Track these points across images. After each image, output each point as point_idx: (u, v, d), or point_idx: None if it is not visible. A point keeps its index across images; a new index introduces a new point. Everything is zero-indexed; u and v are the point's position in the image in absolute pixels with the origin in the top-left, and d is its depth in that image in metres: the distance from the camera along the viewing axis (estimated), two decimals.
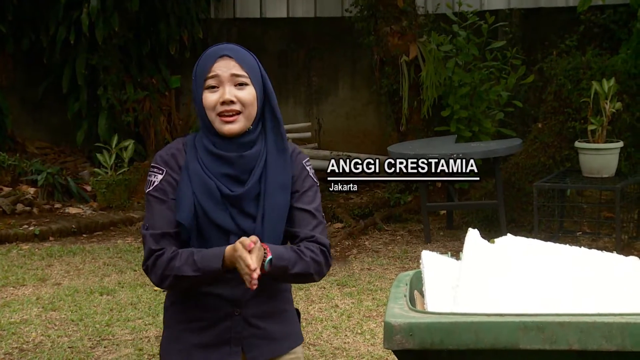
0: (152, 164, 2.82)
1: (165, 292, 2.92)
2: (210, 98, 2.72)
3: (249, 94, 2.72)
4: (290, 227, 2.80)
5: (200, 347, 2.79)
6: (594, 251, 2.75)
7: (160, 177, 2.77)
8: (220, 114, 2.71)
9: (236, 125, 2.72)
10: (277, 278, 2.71)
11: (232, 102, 2.70)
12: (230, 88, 2.71)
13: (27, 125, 11.58)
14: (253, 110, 2.74)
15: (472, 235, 2.77)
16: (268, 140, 2.78)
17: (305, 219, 2.80)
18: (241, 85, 2.72)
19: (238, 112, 2.71)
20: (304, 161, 2.86)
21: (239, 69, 2.72)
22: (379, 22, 9.64)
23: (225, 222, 2.72)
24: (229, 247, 2.63)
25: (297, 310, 2.98)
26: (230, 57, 2.73)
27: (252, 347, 2.80)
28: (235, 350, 2.78)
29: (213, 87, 2.73)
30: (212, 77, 2.72)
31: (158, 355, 5.42)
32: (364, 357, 5.36)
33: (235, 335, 2.78)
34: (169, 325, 2.88)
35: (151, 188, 2.78)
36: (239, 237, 2.67)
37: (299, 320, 2.98)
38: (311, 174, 2.88)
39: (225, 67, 2.72)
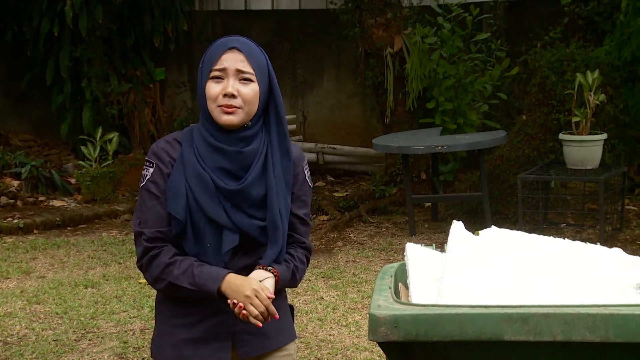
0: (145, 158, 2.82)
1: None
2: (213, 89, 2.70)
3: (251, 90, 2.70)
4: None
5: (191, 342, 2.78)
6: (577, 243, 2.76)
7: (151, 170, 2.77)
8: (220, 106, 2.69)
9: (234, 118, 2.69)
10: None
11: (233, 96, 2.68)
12: (235, 82, 2.69)
13: (10, 118, 11.53)
14: (254, 108, 2.72)
15: (457, 227, 2.77)
16: (272, 140, 2.77)
17: (297, 224, 2.85)
18: (246, 80, 2.70)
19: (238, 107, 2.69)
20: (302, 164, 2.87)
21: (245, 64, 2.70)
22: (363, 14, 9.63)
23: (219, 216, 2.71)
24: (231, 275, 2.68)
25: (290, 306, 2.97)
26: (239, 50, 2.70)
27: (243, 342, 2.80)
28: (225, 345, 2.78)
29: (218, 77, 2.70)
30: (219, 68, 2.70)
31: (143, 348, 5.43)
32: (349, 349, 5.37)
33: (226, 331, 2.78)
34: (160, 320, 2.87)
35: (144, 182, 2.77)
36: (232, 232, 2.70)
37: (293, 316, 2.98)
38: (307, 178, 2.90)
39: (232, 60, 2.69)
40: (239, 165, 2.73)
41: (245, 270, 2.76)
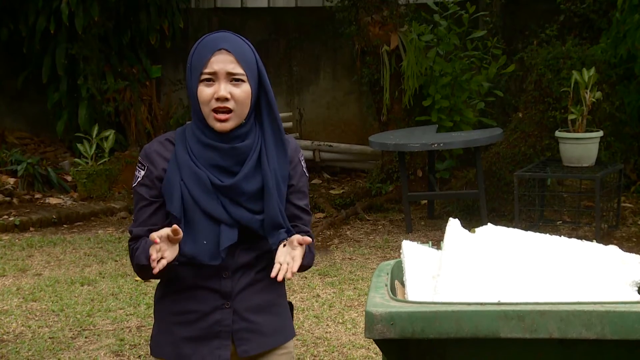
0: (138, 159, 2.82)
1: (155, 285, 2.91)
2: (205, 92, 2.67)
3: (243, 91, 2.68)
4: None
5: (190, 340, 2.78)
6: (574, 240, 2.76)
7: (142, 172, 2.77)
8: (214, 110, 2.67)
9: (228, 124, 2.68)
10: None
11: (226, 99, 2.66)
12: (226, 85, 2.66)
13: (6, 116, 11.51)
14: (246, 108, 2.71)
15: (453, 225, 2.78)
16: (266, 135, 2.76)
17: (301, 215, 2.85)
18: (237, 81, 2.68)
19: (230, 110, 2.67)
20: (299, 155, 2.87)
21: (236, 66, 2.67)
22: (359, 12, 9.64)
23: (217, 211, 2.70)
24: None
25: (289, 303, 2.97)
26: (228, 51, 2.67)
27: (242, 340, 2.79)
28: (225, 343, 2.77)
29: (209, 80, 2.68)
30: (209, 72, 2.67)
31: (139, 346, 5.43)
32: (345, 347, 5.37)
33: (225, 329, 2.77)
34: (159, 317, 2.87)
35: (135, 184, 2.79)
36: (230, 228, 2.69)
37: (292, 313, 2.98)
38: (304, 169, 2.89)
39: (222, 63, 2.66)
40: (233, 161, 2.72)
41: (246, 268, 2.77)
